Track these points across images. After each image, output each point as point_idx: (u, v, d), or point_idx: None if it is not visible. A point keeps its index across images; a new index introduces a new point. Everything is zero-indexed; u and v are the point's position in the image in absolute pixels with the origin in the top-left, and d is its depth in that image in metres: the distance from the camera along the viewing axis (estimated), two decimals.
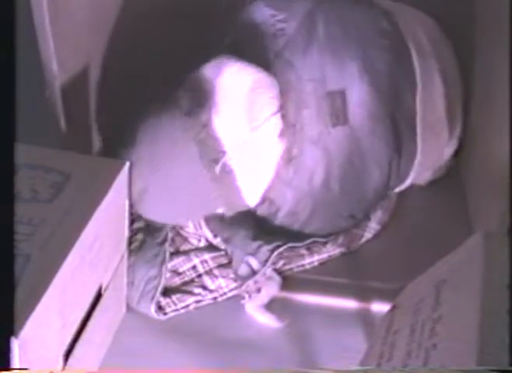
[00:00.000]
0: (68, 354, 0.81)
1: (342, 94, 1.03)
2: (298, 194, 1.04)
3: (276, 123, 1.02)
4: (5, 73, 0.73)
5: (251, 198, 1.03)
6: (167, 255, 1.02)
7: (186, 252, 1.05)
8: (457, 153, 1.16)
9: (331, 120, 1.03)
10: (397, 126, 1.06)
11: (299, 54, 1.05)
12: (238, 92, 1.00)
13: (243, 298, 1.01)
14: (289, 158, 1.03)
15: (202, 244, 1.06)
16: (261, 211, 1.06)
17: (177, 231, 1.06)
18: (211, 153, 0.99)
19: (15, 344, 0.67)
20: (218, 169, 0.98)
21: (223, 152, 0.99)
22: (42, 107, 0.99)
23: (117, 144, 1.02)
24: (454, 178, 1.17)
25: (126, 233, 0.96)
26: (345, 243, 1.07)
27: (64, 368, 0.81)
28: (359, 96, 1.04)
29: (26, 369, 0.69)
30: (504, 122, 0.91)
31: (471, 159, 1.13)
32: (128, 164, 0.90)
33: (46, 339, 0.75)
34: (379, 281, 1.02)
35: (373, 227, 1.10)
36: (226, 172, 0.99)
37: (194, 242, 1.06)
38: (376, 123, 1.05)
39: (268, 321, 0.99)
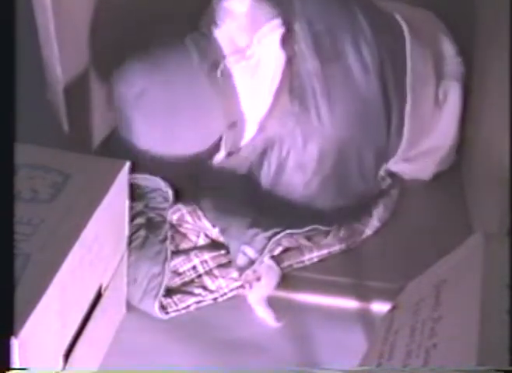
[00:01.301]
0: (68, 354, 0.81)
1: (332, 31, 1.05)
2: (306, 130, 1.04)
3: (276, 29, 1.03)
4: (5, 73, 0.73)
5: (252, 112, 1.03)
6: (169, 252, 1.02)
7: (186, 252, 1.05)
8: (457, 151, 1.16)
9: (324, 56, 1.04)
10: (386, 74, 1.08)
11: None
12: (237, 11, 1.02)
13: (244, 288, 1.01)
14: (291, 88, 1.04)
15: (201, 240, 1.06)
16: (266, 172, 1.06)
17: (176, 228, 1.06)
18: (211, 57, 0.99)
19: (15, 344, 0.67)
20: (219, 72, 0.99)
21: (223, 56, 1.00)
22: (42, 107, 0.99)
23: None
24: (454, 178, 1.17)
25: (126, 233, 0.96)
26: (346, 237, 1.07)
27: (64, 368, 0.81)
28: (347, 40, 1.05)
29: (26, 369, 0.69)
30: (504, 122, 0.91)
31: (472, 159, 1.13)
32: (128, 164, 0.90)
33: (46, 339, 0.75)
34: (379, 281, 1.02)
35: (374, 224, 1.10)
36: (226, 76, 0.99)
37: (194, 238, 1.06)
38: (367, 68, 1.06)
39: (267, 316, 0.98)
